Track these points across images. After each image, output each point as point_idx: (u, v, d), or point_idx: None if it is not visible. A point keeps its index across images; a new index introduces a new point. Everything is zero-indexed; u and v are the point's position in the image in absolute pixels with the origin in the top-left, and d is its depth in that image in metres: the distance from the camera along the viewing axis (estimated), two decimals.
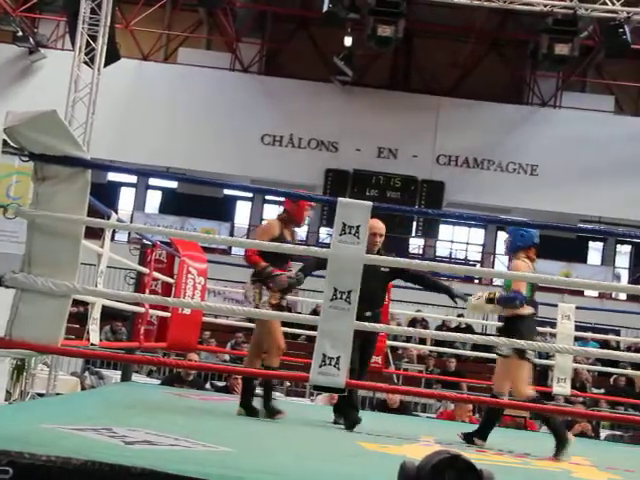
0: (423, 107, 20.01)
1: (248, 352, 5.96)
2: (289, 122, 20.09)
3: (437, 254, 21.51)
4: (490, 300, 5.77)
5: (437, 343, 13.78)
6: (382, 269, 6.12)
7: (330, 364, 3.93)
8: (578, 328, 8.96)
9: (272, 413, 5.76)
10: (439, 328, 15.91)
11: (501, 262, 21.45)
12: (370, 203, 4.00)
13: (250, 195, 22.10)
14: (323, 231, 21.04)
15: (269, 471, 3.36)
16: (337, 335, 3.98)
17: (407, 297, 13.38)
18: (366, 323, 4.71)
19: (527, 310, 5.70)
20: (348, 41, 18.43)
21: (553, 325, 8.99)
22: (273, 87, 20.29)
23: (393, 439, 5.39)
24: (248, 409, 5.84)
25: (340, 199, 4.03)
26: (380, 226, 6.18)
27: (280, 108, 20.04)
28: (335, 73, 19.26)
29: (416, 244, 21.63)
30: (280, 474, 3.35)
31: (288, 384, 11.63)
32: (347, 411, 6.06)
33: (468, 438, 5.83)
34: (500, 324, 6.33)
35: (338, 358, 3.93)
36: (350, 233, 3.93)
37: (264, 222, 5.81)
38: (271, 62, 21.46)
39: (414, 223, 20.32)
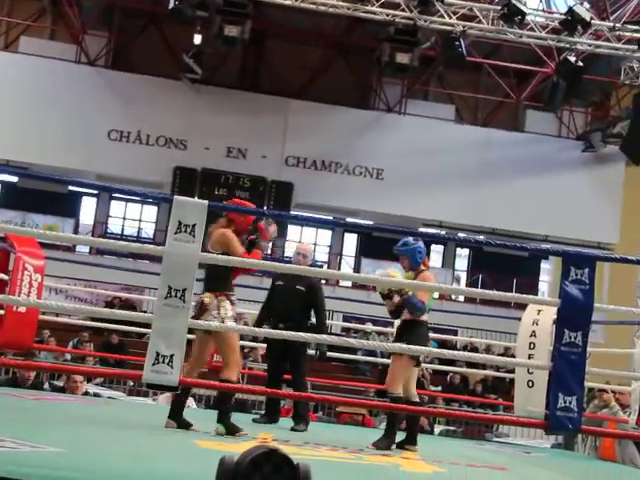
0: (272, 108, 20.12)
1: (191, 363, 5.55)
2: (137, 118, 19.70)
3: (286, 254, 21.70)
4: (400, 295, 5.93)
5: None
6: (298, 287, 6.67)
7: (164, 362, 3.91)
8: None
9: (231, 430, 5.43)
10: None
11: (347, 264, 21.93)
12: (206, 202, 4.00)
13: (96, 191, 21.59)
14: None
15: (99, 471, 3.29)
16: (171, 333, 3.95)
17: (254, 296, 13.43)
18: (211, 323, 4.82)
19: (425, 317, 6.01)
20: (198, 39, 18.27)
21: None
22: (121, 82, 19.83)
23: (231, 437, 5.35)
24: (180, 422, 5.55)
25: (176, 197, 4.05)
26: (302, 246, 7.08)
27: (128, 104, 19.62)
28: (184, 71, 19.05)
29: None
30: (111, 474, 3.29)
31: (131, 383, 11.37)
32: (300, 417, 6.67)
33: (401, 447, 5.92)
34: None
35: (172, 356, 3.92)
36: (186, 232, 3.92)
37: (223, 232, 5.43)
38: (119, 57, 20.93)
39: None
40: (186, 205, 3.94)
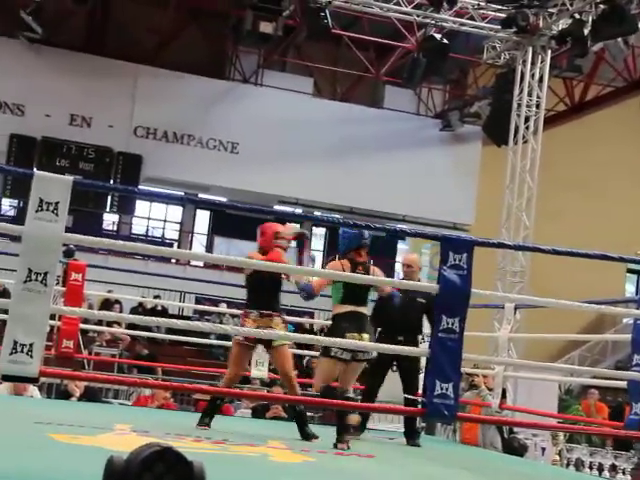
0: (120, 74, 18.78)
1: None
2: None
3: (133, 231, 20.48)
4: None
5: (131, 326, 13.37)
6: (418, 300, 6.71)
7: (22, 351, 3.75)
8: None
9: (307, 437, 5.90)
10: (135, 310, 15.23)
11: (199, 242, 20.99)
12: (71, 178, 3.80)
13: None
14: (6, 202, 19.33)
15: None
16: (31, 320, 3.76)
17: (100, 276, 12.42)
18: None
19: (342, 309, 5.99)
20: None
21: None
22: None
23: (86, 429, 5.12)
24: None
25: (37, 173, 3.81)
26: (410, 257, 7.37)
27: None
28: (22, 29, 17.39)
29: (111, 220, 20.45)
30: None
31: None
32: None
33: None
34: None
35: (31, 345, 3.74)
36: (48, 210, 3.75)
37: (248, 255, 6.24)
38: None
39: (109, 198, 19.12)
40: (49, 181, 3.71)
